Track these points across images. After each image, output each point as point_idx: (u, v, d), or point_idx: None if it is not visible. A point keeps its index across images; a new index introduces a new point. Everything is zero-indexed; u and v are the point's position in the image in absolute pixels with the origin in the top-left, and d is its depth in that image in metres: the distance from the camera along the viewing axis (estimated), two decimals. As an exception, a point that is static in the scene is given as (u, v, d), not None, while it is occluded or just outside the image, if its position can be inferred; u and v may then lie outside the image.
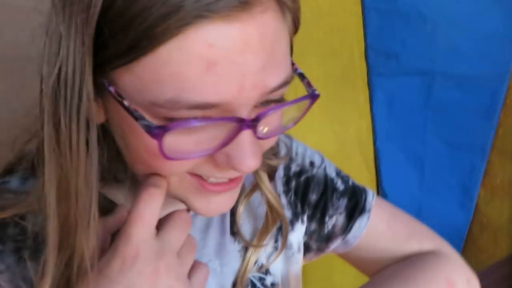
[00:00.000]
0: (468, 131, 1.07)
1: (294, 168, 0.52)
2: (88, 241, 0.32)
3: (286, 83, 0.32)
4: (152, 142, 0.29)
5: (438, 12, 0.97)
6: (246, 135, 0.31)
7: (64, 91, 0.30)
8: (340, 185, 0.53)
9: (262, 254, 0.48)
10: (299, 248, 0.51)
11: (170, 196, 0.36)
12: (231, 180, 0.35)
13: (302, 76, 0.35)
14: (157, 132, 0.29)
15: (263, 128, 0.33)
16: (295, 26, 0.34)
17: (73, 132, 0.30)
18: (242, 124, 0.30)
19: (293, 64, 0.35)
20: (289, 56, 0.33)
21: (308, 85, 0.35)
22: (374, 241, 0.53)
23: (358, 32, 1.04)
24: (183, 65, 0.28)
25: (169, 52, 0.28)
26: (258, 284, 0.48)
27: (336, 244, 0.53)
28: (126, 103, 0.30)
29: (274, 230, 0.49)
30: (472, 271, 0.53)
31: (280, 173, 0.51)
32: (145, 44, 0.28)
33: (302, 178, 0.52)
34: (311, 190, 0.52)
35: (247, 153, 0.31)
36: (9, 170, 0.41)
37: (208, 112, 0.29)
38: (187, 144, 0.31)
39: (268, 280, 0.48)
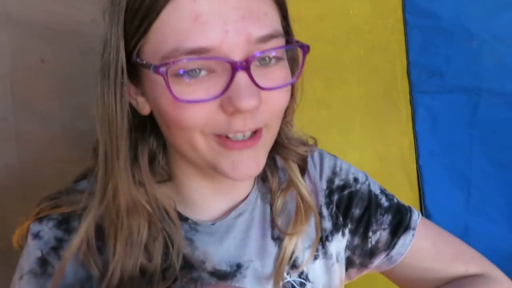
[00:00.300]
0: (518, 150, 1.03)
1: (337, 182, 0.53)
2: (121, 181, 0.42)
3: (271, 36, 0.40)
4: (166, 90, 0.38)
5: (484, 28, 0.95)
6: (241, 76, 0.38)
7: (107, 69, 0.41)
8: (384, 202, 0.53)
9: (298, 254, 0.49)
10: (337, 259, 0.52)
11: (204, 163, 0.42)
12: (250, 138, 0.40)
13: (297, 41, 0.44)
14: (162, 70, 0.38)
15: (263, 79, 0.39)
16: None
17: (116, 98, 0.41)
18: (235, 65, 0.38)
19: (290, 36, 0.43)
20: (277, 20, 0.42)
21: (301, 44, 0.43)
22: (419, 260, 0.53)
23: (400, 50, 1.03)
24: (178, 20, 0.38)
25: (168, 14, 0.38)
26: None
27: (379, 260, 0.53)
28: (144, 62, 0.40)
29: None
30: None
31: (322, 185, 0.53)
32: (151, 13, 0.38)
33: (345, 192, 0.53)
34: (354, 205, 0.53)
35: (243, 92, 0.38)
36: (83, 176, 0.50)
37: (203, 56, 0.38)
38: (197, 91, 0.39)
39: (309, 287, 0.49)
